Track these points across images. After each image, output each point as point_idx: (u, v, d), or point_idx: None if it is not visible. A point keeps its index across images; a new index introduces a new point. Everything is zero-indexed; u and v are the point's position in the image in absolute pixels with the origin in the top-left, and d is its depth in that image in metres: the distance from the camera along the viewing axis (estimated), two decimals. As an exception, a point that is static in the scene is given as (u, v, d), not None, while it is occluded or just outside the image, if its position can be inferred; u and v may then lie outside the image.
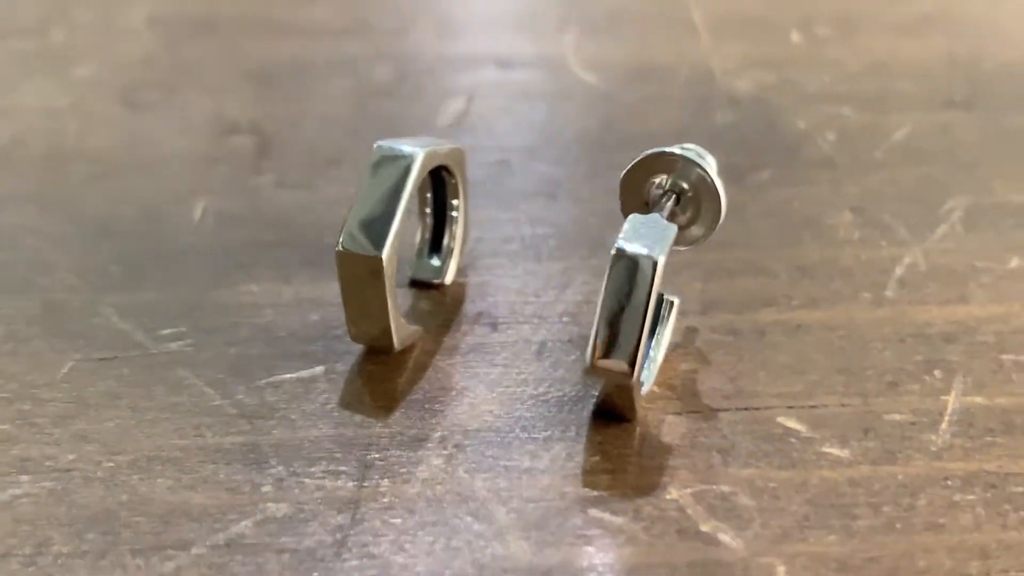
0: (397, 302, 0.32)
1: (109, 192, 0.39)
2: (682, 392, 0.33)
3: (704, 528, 0.29)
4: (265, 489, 0.30)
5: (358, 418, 0.32)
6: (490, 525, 0.29)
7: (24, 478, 0.30)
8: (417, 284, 0.36)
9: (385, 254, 0.31)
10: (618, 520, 0.30)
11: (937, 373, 0.34)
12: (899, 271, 0.37)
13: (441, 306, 0.35)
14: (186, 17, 0.49)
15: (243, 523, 0.29)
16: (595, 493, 0.30)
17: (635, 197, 0.32)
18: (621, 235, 0.30)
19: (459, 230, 0.36)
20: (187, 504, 0.29)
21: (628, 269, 0.29)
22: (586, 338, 0.34)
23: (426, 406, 0.32)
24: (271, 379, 0.33)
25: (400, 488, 0.30)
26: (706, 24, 0.50)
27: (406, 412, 0.32)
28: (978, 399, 0.33)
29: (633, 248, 0.29)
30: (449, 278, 0.36)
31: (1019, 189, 0.41)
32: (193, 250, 0.37)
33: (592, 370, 0.30)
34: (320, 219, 0.38)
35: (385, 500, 0.30)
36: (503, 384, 0.33)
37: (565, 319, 0.35)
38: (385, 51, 0.47)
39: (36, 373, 0.33)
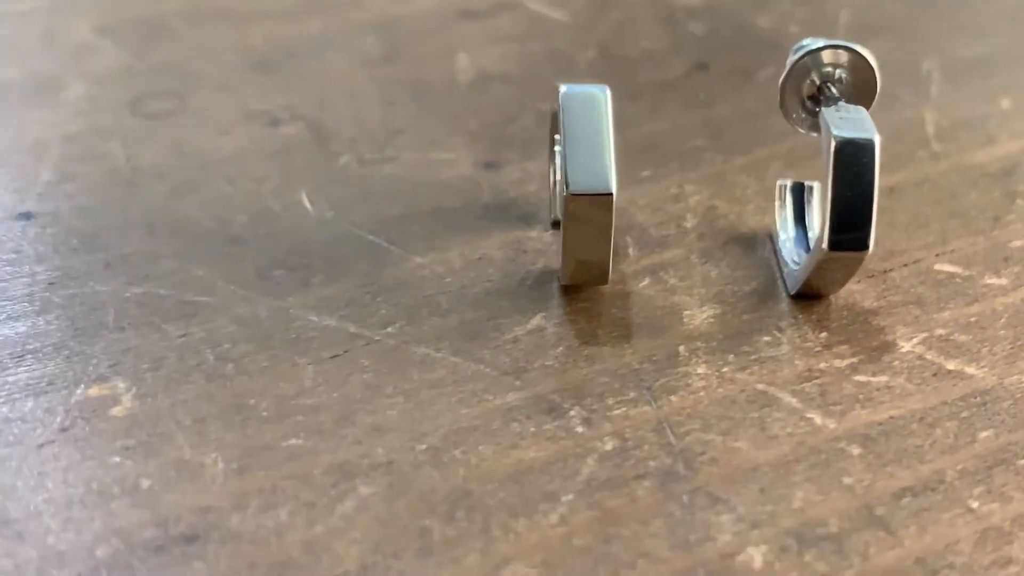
0: (610, 235, 0.34)
1: (207, 203, 0.37)
2: (848, 263, 0.36)
3: (950, 367, 0.33)
4: (580, 430, 0.31)
5: (607, 351, 0.33)
6: (787, 410, 0.32)
7: (357, 481, 0.29)
8: (558, 224, 0.37)
9: (614, 189, 0.32)
10: (883, 379, 0.33)
11: (1020, 202, 0.39)
12: (930, 128, 0.42)
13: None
14: (132, 21, 0.46)
15: (587, 463, 0.30)
16: (846, 362, 0.33)
17: (795, 96, 0.35)
18: (832, 127, 0.33)
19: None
20: (525, 462, 0.30)
21: (853, 155, 0.32)
22: (734, 235, 0.37)
23: (653, 326, 0.34)
24: (505, 337, 0.33)
25: (690, 399, 0.32)
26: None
27: (640, 335, 0.34)
28: (1065, 214, 0.39)
29: (851, 134, 0.32)
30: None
31: (966, 45, 0.47)
32: (332, 239, 0.36)
33: (826, 261, 0.33)
34: (422, 186, 0.39)
35: (686, 412, 0.32)
36: (702, 292, 0.35)
37: (704, 222, 0.37)
38: (356, 23, 0.46)
39: (282, 386, 0.32)
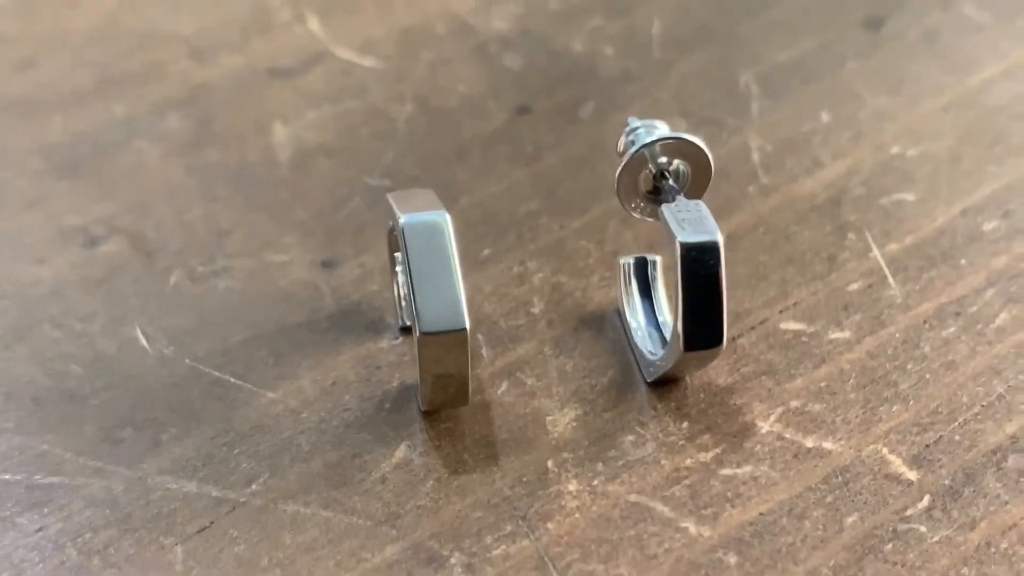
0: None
1: (37, 355, 0.35)
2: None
3: (809, 444, 0.34)
4: (464, 581, 0.31)
5: (475, 478, 0.33)
6: (662, 522, 0.32)
7: None
8: (408, 329, 0.36)
9: (467, 324, 0.32)
10: (747, 469, 0.33)
11: (851, 236, 0.40)
12: (756, 157, 0.43)
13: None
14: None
15: (478, 621, 0.30)
16: (710, 455, 0.34)
17: (631, 192, 0.35)
18: (675, 231, 0.33)
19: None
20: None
21: (698, 258, 0.32)
22: (582, 317, 0.37)
23: (518, 440, 0.34)
24: (372, 477, 0.33)
25: (565, 524, 0.32)
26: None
27: (507, 454, 0.34)
28: (893, 246, 0.39)
29: (694, 238, 0.32)
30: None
31: (780, 49, 0.47)
32: (176, 381, 0.35)
33: (683, 358, 0.33)
34: (260, 299, 0.37)
35: (565, 540, 0.32)
36: (560, 391, 0.35)
37: (551, 304, 0.37)
38: (159, 100, 0.44)
39: (151, 575, 0.31)
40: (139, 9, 0.48)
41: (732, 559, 0.32)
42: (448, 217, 0.33)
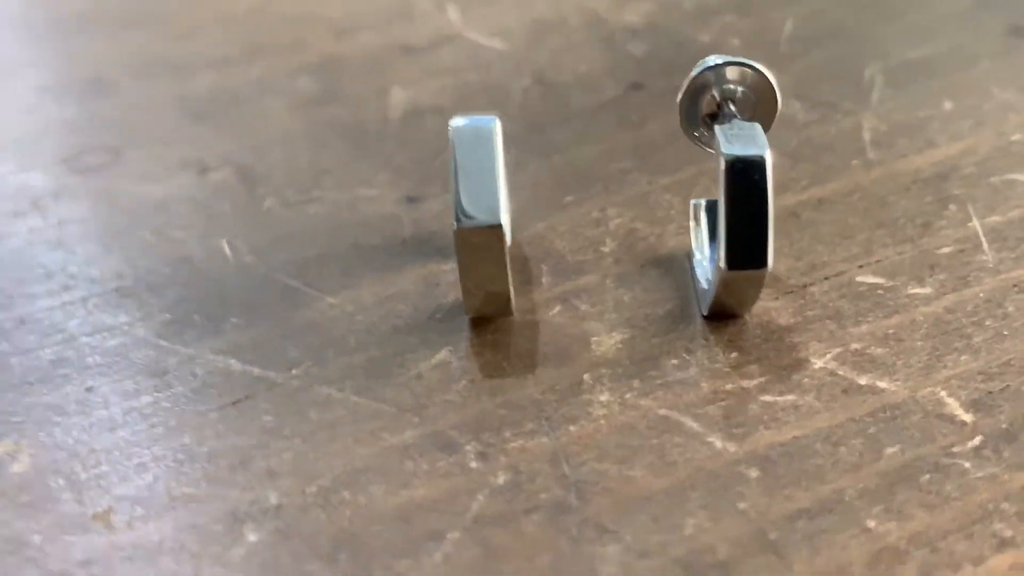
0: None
1: (128, 253, 0.38)
2: (766, 281, 0.36)
3: (862, 382, 0.33)
4: (474, 466, 0.31)
5: (509, 382, 0.33)
6: (687, 435, 0.31)
7: (245, 528, 0.29)
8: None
9: (503, 220, 0.32)
10: (790, 398, 0.32)
11: (952, 207, 0.38)
12: (868, 136, 0.42)
13: (512, 267, 0.37)
14: (78, 79, 0.47)
15: (477, 499, 0.30)
16: (753, 382, 0.33)
17: (693, 116, 0.35)
18: (723, 145, 0.32)
19: (504, 191, 0.37)
20: (414, 500, 0.30)
21: (744, 172, 0.32)
22: (652, 258, 0.37)
23: (560, 354, 0.34)
24: (409, 373, 0.33)
25: (589, 428, 0.32)
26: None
27: (545, 365, 0.33)
28: (996, 218, 0.38)
29: (741, 151, 0.32)
30: (508, 239, 0.37)
31: (911, 48, 0.46)
32: (249, 284, 0.37)
33: (726, 279, 0.33)
34: (343, 225, 0.39)
35: (584, 441, 0.31)
36: (612, 317, 0.35)
37: (623, 245, 0.37)
38: (296, 66, 0.47)
39: (184, 437, 0.32)
40: (295, -4, 0.52)
41: (753, 473, 0.30)
42: (498, 122, 0.34)
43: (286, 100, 0.45)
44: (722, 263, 0.32)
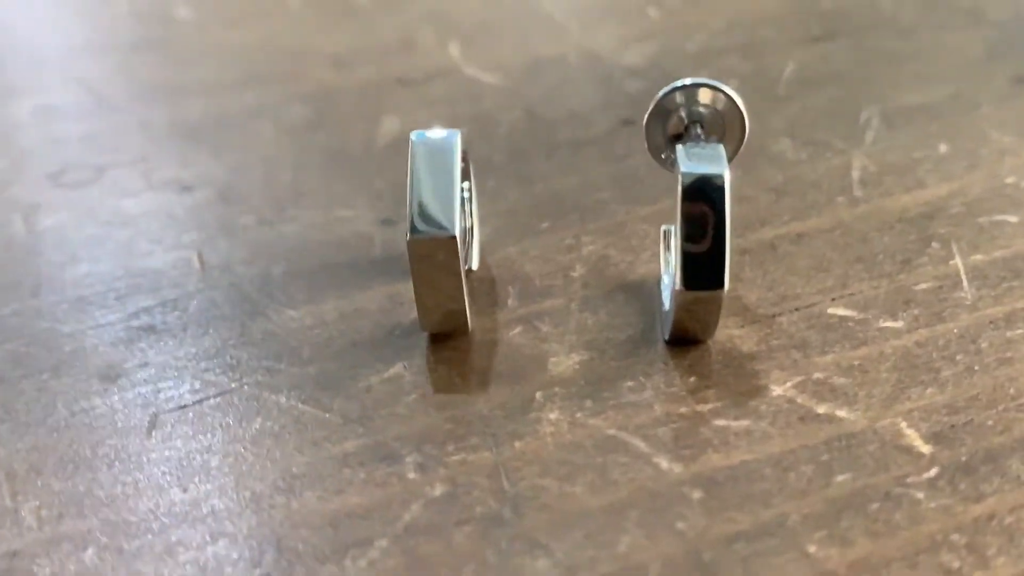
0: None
1: (99, 264, 0.38)
2: (733, 308, 0.35)
3: (820, 410, 0.32)
4: (412, 476, 0.30)
5: (460, 398, 0.32)
6: (633, 455, 0.30)
7: (175, 530, 0.29)
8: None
9: (457, 232, 0.32)
10: (744, 423, 0.31)
11: (935, 245, 0.37)
12: (856, 174, 0.41)
13: (478, 289, 0.36)
14: (74, 98, 0.47)
15: (411, 508, 0.29)
16: (708, 407, 0.32)
17: (659, 136, 0.34)
18: (681, 163, 0.32)
19: (475, 213, 0.37)
20: (347, 507, 0.29)
21: (701, 190, 0.31)
22: (621, 284, 0.36)
23: (515, 373, 0.33)
24: (359, 385, 0.33)
25: (534, 444, 0.31)
26: (566, 15, 0.52)
27: (499, 383, 0.33)
28: (979, 257, 0.37)
29: (700, 169, 0.31)
30: (475, 263, 0.37)
31: (912, 93, 0.45)
32: (212, 295, 0.36)
33: (682, 300, 0.32)
34: (316, 243, 0.38)
35: (527, 457, 0.30)
36: (573, 339, 0.34)
37: (593, 271, 0.37)
38: (291, 94, 0.47)
39: (128, 438, 0.32)
40: (299, 31, 0.52)
41: (696, 494, 0.29)
42: (459, 135, 0.33)
43: (275, 125, 0.45)
44: (678, 284, 0.32)
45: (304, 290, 0.36)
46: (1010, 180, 0.40)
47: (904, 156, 0.42)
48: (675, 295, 0.32)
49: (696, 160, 0.32)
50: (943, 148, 0.42)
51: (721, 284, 0.31)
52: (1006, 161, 0.41)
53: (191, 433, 0.32)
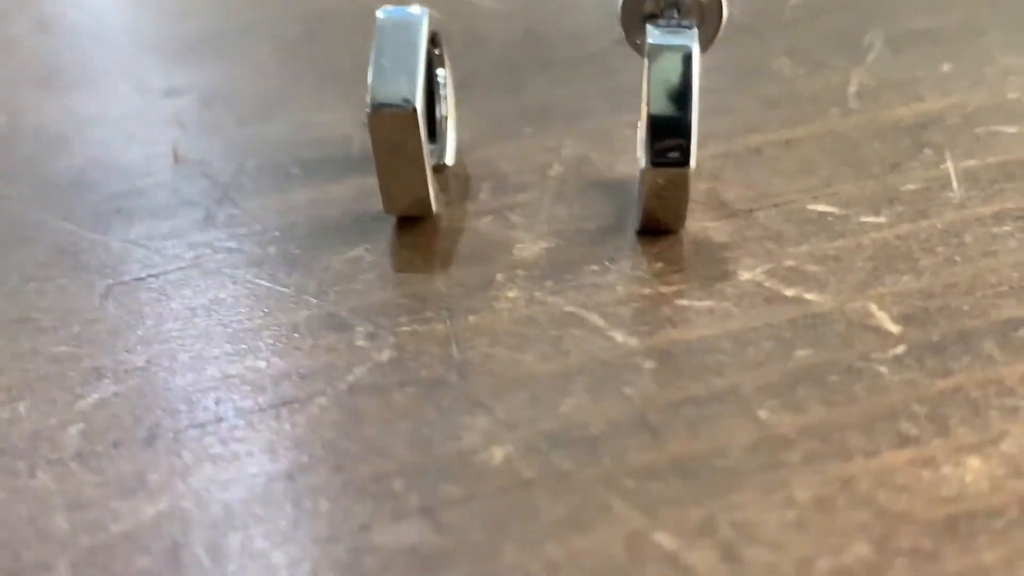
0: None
1: (74, 158, 0.38)
2: (710, 204, 0.34)
3: (788, 293, 0.30)
4: (361, 343, 0.29)
5: (420, 277, 0.32)
6: (589, 329, 0.29)
7: (106, 382, 0.28)
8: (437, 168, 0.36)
9: (418, 104, 0.31)
10: (707, 303, 0.30)
11: (928, 151, 0.36)
12: (853, 88, 0.40)
13: (452, 185, 0.35)
14: (69, 19, 0.48)
15: (355, 371, 0.28)
16: (673, 288, 0.31)
17: (635, 17, 0.33)
18: (649, 38, 0.31)
19: (451, 103, 0.36)
20: (296, 366, 0.29)
21: (667, 64, 0.30)
22: (599, 181, 0.35)
23: (478, 256, 0.32)
24: (319, 264, 0.32)
25: (489, 318, 0.30)
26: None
27: (461, 265, 0.32)
28: (972, 162, 0.35)
29: (667, 42, 0.31)
30: (451, 158, 0.36)
31: (919, 17, 0.44)
32: (178, 184, 0.36)
33: (648, 177, 0.31)
34: (292, 142, 0.38)
35: (480, 329, 0.30)
36: (543, 228, 0.33)
37: (571, 169, 0.36)
38: (287, 13, 0.47)
39: (77, 303, 0.31)
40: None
41: (649, 364, 0.28)
42: (427, 13, 0.33)
43: (269, 42, 0.45)
44: (643, 161, 0.31)
45: (276, 180, 0.36)
46: (1012, 96, 0.39)
47: (905, 74, 0.40)
48: (642, 175, 0.31)
49: (665, 36, 0.31)
50: (946, 67, 0.41)
51: (687, 161, 0.30)
52: (1010, 80, 0.40)
53: (144, 301, 0.31)
